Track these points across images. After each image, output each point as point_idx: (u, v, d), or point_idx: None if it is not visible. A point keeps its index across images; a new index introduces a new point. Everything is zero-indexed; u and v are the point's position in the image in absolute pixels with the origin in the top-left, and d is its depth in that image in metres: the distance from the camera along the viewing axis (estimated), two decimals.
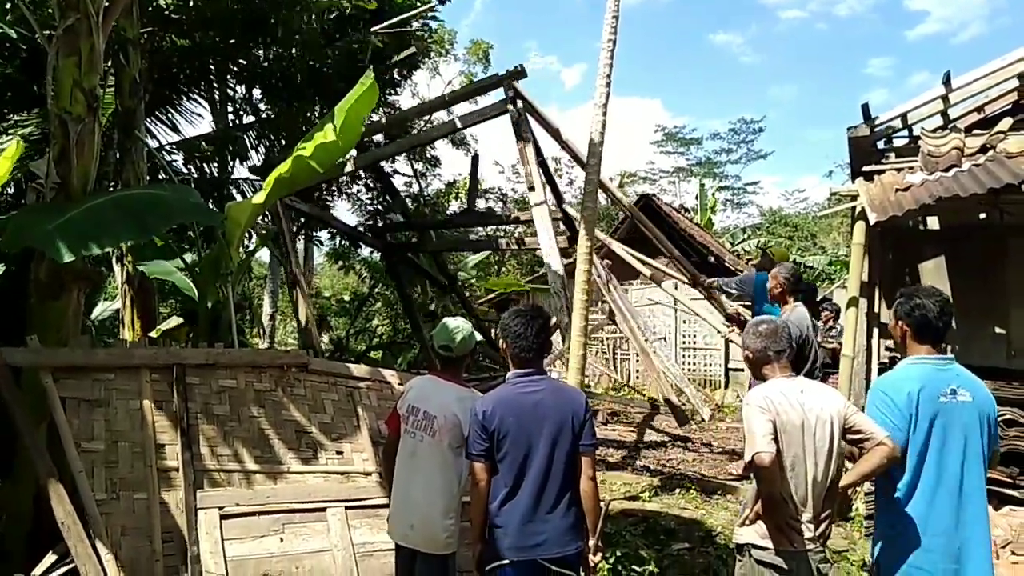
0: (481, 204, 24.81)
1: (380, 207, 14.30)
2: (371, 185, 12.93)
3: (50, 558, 4.05)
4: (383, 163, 11.93)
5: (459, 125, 9.45)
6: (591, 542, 3.01)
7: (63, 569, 3.96)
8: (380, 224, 12.85)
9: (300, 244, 19.12)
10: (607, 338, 14.95)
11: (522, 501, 2.94)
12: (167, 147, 9.68)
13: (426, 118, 12.89)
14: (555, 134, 8.22)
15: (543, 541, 2.91)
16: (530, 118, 7.75)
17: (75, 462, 3.73)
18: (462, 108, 11.48)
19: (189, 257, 6.36)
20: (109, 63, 6.54)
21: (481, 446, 3.00)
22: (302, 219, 11.74)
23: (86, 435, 3.88)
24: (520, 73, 7.74)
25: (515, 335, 3.08)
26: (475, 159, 11.76)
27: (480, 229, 18.33)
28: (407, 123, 11.73)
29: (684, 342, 15.90)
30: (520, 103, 7.64)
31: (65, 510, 3.58)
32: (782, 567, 2.84)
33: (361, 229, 12.51)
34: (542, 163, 8.12)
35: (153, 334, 6.13)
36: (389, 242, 11.64)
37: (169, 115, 9.60)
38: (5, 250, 4.89)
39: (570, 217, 9.89)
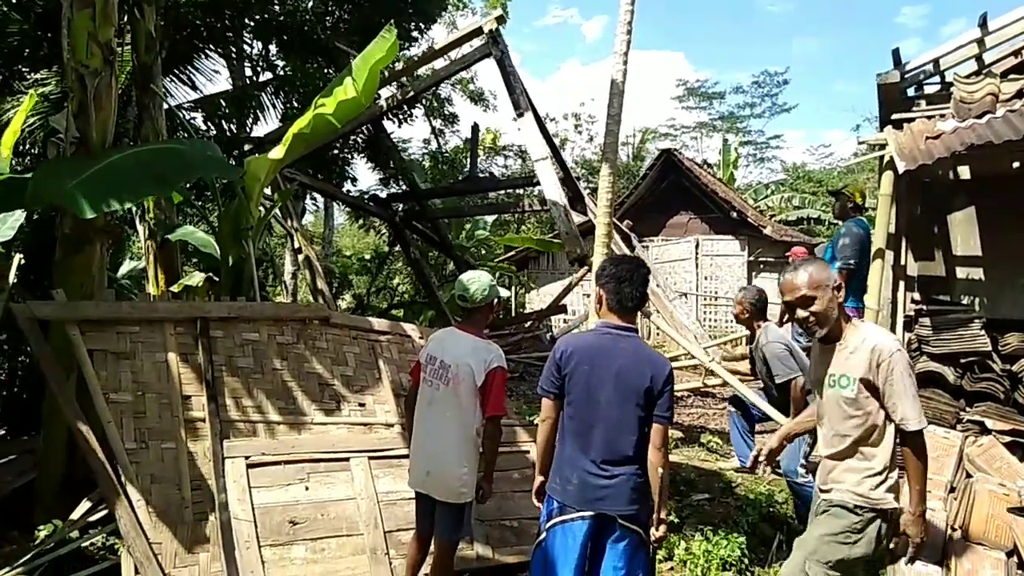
0: (500, 161, 24.65)
1: (383, 176, 14.13)
2: (371, 155, 12.63)
3: (84, 505, 4.18)
4: (387, 126, 11.73)
5: (442, 75, 9.71)
6: (655, 515, 2.89)
7: (97, 516, 4.09)
8: (384, 195, 12.71)
9: (320, 203, 19.15)
10: None
11: (587, 452, 2.88)
12: (186, 105, 9.67)
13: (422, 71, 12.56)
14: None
15: (605, 496, 2.84)
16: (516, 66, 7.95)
17: (104, 413, 3.81)
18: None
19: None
20: (124, 18, 6.49)
21: (552, 383, 2.98)
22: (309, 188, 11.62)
23: (113, 386, 3.94)
24: (501, 19, 7.92)
25: (617, 280, 2.98)
26: (475, 128, 11.70)
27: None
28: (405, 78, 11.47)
29: (706, 299, 15.83)
30: (500, 47, 7.84)
31: (97, 459, 3.66)
32: None
33: (366, 198, 12.40)
34: (537, 118, 8.11)
35: (174, 288, 6.20)
36: (394, 211, 11.56)
37: (187, 72, 9.57)
38: (29, 207, 4.93)
39: (570, 176, 9.81)
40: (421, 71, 10.11)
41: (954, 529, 3.95)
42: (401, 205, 11.87)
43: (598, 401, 2.88)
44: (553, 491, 2.98)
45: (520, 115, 7.53)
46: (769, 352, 4.79)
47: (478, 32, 7.99)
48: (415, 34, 11.14)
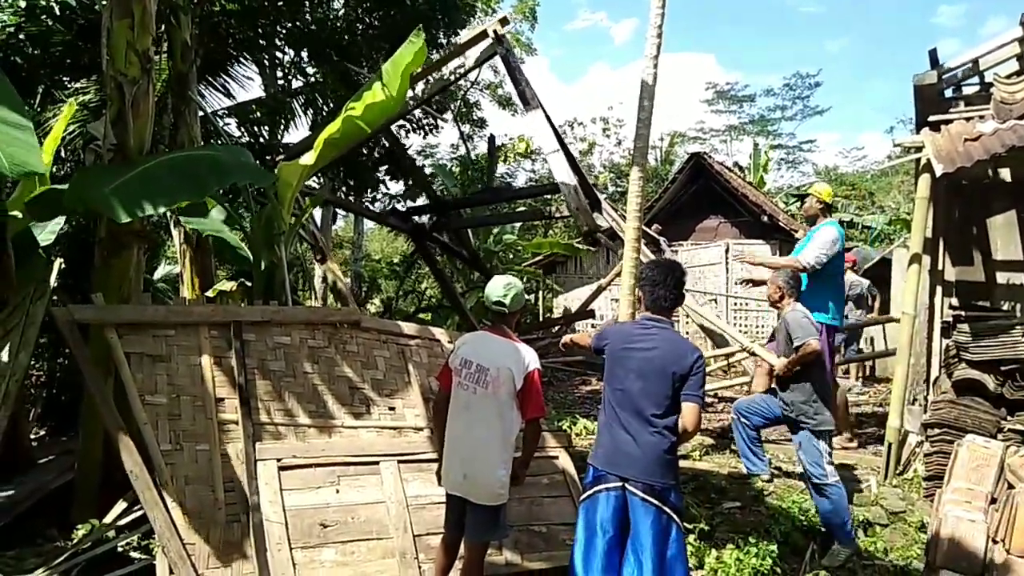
0: (528, 165, 24.72)
1: (403, 190, 14.17)
2: (391, 170, 12.68)
3: (120, 505, 4.26)
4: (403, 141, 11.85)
5: (447, 81, 9.85)
6: None
7: (132, 516, 4.17)
8: (405, 208, 12.72)
9: None
10: None
11: (618, 424, 3.19)
12: (220, 112, 9.85)
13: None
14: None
15: (631, 464, 3.11)
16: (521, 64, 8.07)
17: (140, 414, 3.88)
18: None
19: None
20: (162, 28, 6.63)
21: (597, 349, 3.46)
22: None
23: (150, 389, 4.01)
24: (504, 21, 8.08)
25: (652, 284, 3.35)
26: (491, 140, 11.75)
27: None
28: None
29: (736, 303, 15.64)
30: (504, 45, 7.92)
31: (133, 460, 3.73)
32: None
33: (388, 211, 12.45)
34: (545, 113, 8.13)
35: (210, 293, 6.30)
36: (416, 223, 11.59)
37: (222, 80, 9.76)
38: (67, 208, 5.04)
39: (587, 181, 9.76)
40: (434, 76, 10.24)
41: (995, 541, 3.84)
42: (424, 216, 11.90)
43: (627, 379, 3.20)
44: (594, 458, 3.28)
45: (530, 109, 7.61)
46: (791, 318, 4.81)
47: (483, 35, 8.10)
48: (443, 40, 11.20)
